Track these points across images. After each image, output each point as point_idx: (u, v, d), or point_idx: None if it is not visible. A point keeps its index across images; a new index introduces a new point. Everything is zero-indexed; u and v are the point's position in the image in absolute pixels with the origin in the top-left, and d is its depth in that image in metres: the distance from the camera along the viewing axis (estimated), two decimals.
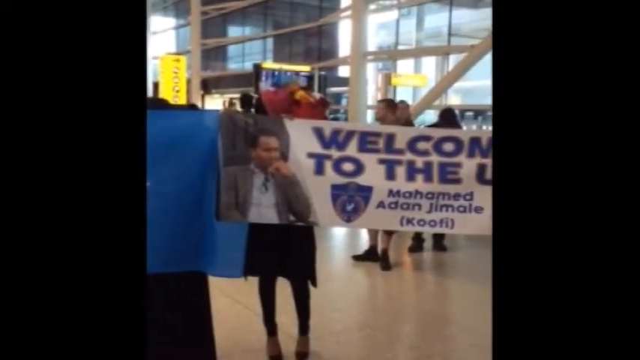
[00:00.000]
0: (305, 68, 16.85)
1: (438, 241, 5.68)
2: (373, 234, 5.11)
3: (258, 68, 15.37)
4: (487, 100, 14.64)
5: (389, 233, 4.91)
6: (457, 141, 2.58)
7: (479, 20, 14.64)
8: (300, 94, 2.70)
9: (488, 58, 11.71)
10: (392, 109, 5.09)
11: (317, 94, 2.81)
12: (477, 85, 15.06)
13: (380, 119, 5.04)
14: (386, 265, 4.90)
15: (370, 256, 5.08)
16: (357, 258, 5.15)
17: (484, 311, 3.74)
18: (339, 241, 6.39)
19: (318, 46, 20.01)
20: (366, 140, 2.57)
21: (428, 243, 5.68)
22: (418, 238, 5.61)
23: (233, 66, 24.60)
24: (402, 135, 2.59)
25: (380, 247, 5.02)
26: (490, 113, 14.22)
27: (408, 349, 3.27)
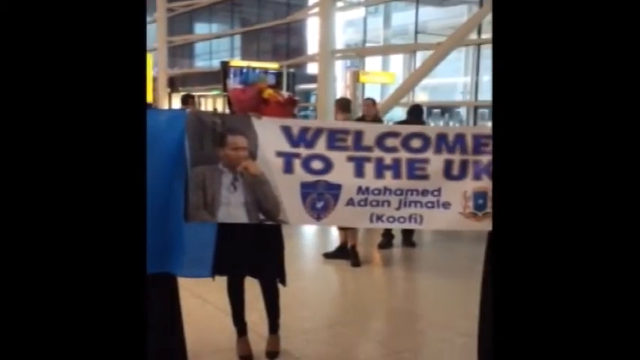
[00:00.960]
0: (273, 66, 16.78)
1: (407, 237, 5.73)
2: (344, 231, 5.13)
3: (225, 66, 15.25)
4: (454, 97, 14.88)
5: (347, 227, 4.91)
6: (424, 137, 2.60)
7: (445, 18, 14.85)
8: (268, 93, 2.69)
9: (454, 55, 11.88)
10: (342, 109, 5.09)
11: (285, 93, 2.80)
12: (444, 83, 15.27)
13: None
14: (355, 262, 4.93)
15: (341, 253, 5.09)
16: (328, 256, 5.16)
17: (453, 306, 3.82)
18: (309, 240, 6.40)
19: (286, 43, 19.97)
20: (335, 138, 2.58)
21: (397, 239, 5.73)
22: (387, 235, 5.65)
23: (200, 64, 24.33)
24: (370, 132, 2.60)
25: (349, 244, 5.04)
26: (457, 110, 14.48)
27: (378, 346, 3.29)
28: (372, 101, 5.80)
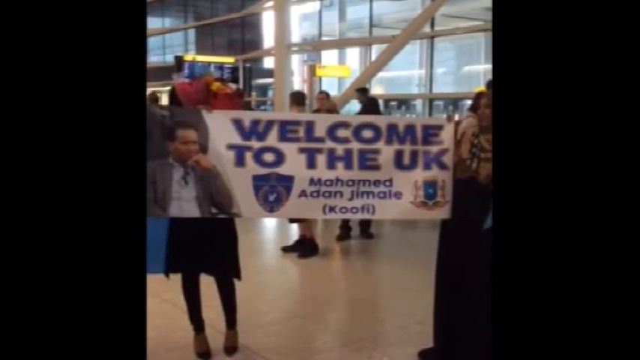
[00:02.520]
0: (229, 60, 16.60)
1: (365, 228, 5.79)
2: (302, 224, 5.13)
3: (179, 60, 14.98)
4: (410, 90, 15.07)
5: (301, 220, 4.92)
6: (375, 128, 2.63)
7: (399, 12, 15.00)
8: (216, 86, 2.66)
9: (409, 48, 12.03)
10: (296, 103, 5.07)
11: (233, 85, 2.78)
12: (400, 75, 15.44)
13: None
14: (308, 253, 4.96)
15: (299, 247, 5.10)
16: (287, 249, 5.15)
17: (410, 294, 3.88)
18: (268, 233, 6.38)
19: (241, 37, 19.77)
20: (287, 129, 2.58)
21: (355, 231, 5.77)
22: (345, 227, 5.69)
23: (154, 58, 23.80)
24: (322, 123, 2.62)
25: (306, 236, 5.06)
26: (413, 102, 14.67)
27: (337, 336, 3.32)
28: (326, 94, 5.82)
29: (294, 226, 5.42)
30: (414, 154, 2.66)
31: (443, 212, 2.72)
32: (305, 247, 5.03)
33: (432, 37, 12.87)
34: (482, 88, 5.18)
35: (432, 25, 12.47)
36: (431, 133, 2.67)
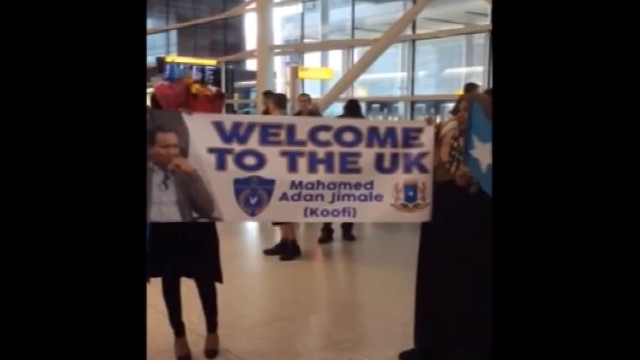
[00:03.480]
0: (211, 62, 16.52)
1: (347, 231, 5.80)
2: (284, 227, 5.13)
3: (161, 62, 14.87)
4: (392, 92, 15.14)
5: (283, 223, 4.91)
6: (356, 131, 2.65)
7: (381, 14, 15.08)
8: (196, 88, 2.65)
9: (391, 51, 12.09)
10: (278, 106, 5.01)
11: (213, 87, 2.77)
12: (382, 78, 15.51)
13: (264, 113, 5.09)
14: (291, 255, 4.95)
15: (282, 249, 5.09)
16: (269, 252, 5.15)
17: (391, 297, 3.90)
18: (250, 236, 6.36)
19: (223, 39, 19.69)
20: (268, 132, 2.58)
21: (337, 233, 5.79)
22: (327, 229, 5.70)
23: None
24: (303, 126, 2.62)
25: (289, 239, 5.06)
26: (395, 105, 14.75)
27: (318, 338, 3.33)
28: (308, 97, 5.82)
29: (277, 229, 5.42)
30: (394, 157, 2.69)
31: (423, 215, 2.74)
32: (287, 250, 5.02)
33: (414, 40, 12.96)
34: (461, 91, 5.23)
35: (414, 28, 12.55)
36: (411, 135, 2.69)
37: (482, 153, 2.34)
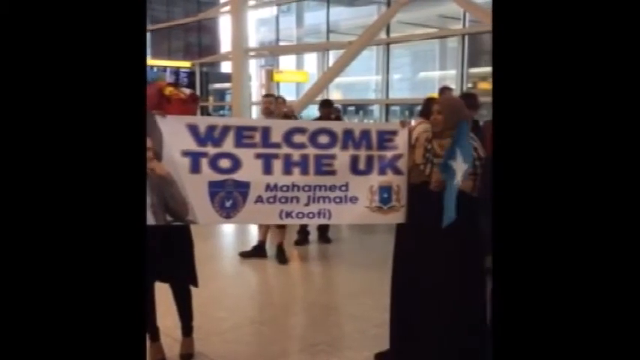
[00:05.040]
0: (186, 64, 16.40)
1: (323, 233, 5.82)
2: (263, 229, 5.11)
3: None
4: (367, 95, 15.23)
5: (280, 227, 4.92)
6: (331, 133, 2.66)
7: (355, 18, 15.16)
8: (169, 90, 2.63)
9: (366, 54, 12.18)
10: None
11: (187, 90, 2.75)
12: (357, 81, 15.59)
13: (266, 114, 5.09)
14: (282, 259, 4.95)
15: (258, 252, 5.08)
16: (245, 255, 5.12)
17: (368, 298, 3.92)
18: (226, 239, 6.33)
19: (198, 41, 19.55)
20: (243, 135, 2.58)
21: (313, 236, 5.79)
22: (303, 232, 5.70)
23: None
24: (278, 128, 2.63)
25: (275, 242, 5.04)
26: (371, 107, 14.84)
27: (294, 341, 3.33)
28: (282, 100, 5.82)
29: (253, 233, 5.40)
30: (369, 159, 2.71)
31: (398, 217, 2.76)
32: (264, 252, 5.02)
33: (388, 44, 13.07)
34: (434, 94, 5.29)
35: (388, 32, 12.66)
36: (386, 138, 2.72)
37: (460, 169, 2.42)
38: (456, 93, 10.08)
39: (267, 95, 5.81)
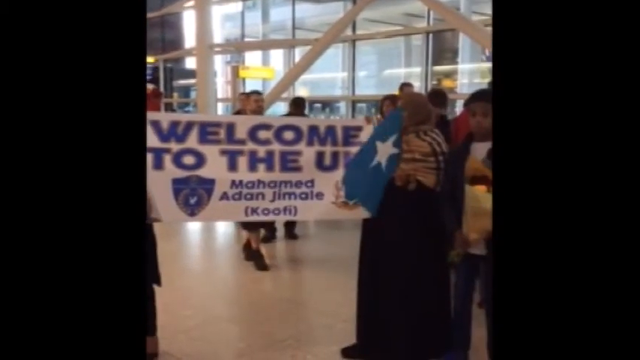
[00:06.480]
0: (149, 60, 16.10)
1: (290, 230, 5.81)
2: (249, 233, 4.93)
3: None
4: (334, 92, 15.27)
5: (251, 229, 4.81)
6: (296, 129, 2.66)
7: (321, 15, 15.17)
8: None
9: (332, 51, 12.19)
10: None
11: (150, 85, 2.71)
12: (324, 78, 15.62)
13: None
14: (261, 265, 4.76)
15: (250, 255, 4.93)
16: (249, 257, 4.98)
17: (335, 294, 3.94)
18: (192, 237, 6.26)
19: (161, 36, 19.23)
20: (207, 131, 2.55)
21: (280, 232, 5.79)
22: (270, 229, 5.69)
23: None
24: (243, 124, 2.62)
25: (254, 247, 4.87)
26: (337, 104, 14.89)
27: (261, 337, 3.32)
28: (248, 96, 5.78)
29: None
30: (334, 155, 2.72)
31: (364, 212, 2.79)
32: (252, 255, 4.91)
33: (354, 41, 13.12)
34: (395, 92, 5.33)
35: (354, 29, 12.71)
36: (351, 134, 2.74)
37: (385, 152, 2.57)
38: (421, 90, 10.20)
39: (242, 93, 5.76)
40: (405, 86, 5.66)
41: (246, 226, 4.83)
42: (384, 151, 2.54)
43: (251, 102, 5.24)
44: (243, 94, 5.92)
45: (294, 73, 11.22)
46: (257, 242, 4.88)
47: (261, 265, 4.76)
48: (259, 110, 5.11)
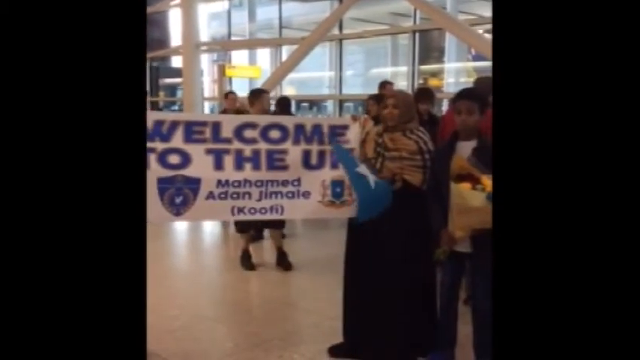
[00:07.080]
0: None
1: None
2: (246, 237, 4.87)
3: None
4: (321, 91, 15.27)
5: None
6: (282, 128, 2.66)
7: (308, 13, 15.16)
8: None
9: (319, 50, 12.19)
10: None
11: None
12: (311, 77, 15.62)
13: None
14: (286, 265, 4.72)
15: (243, 262, 4.89)
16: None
17: (322, 293, 3.94)
18: (179, 236, 6.23)
19: (147, 35, 19.11)
20: (192, 130, 2.54)
21: (267, 231, 5.76)
22: (257, 228, 5.66)
23: None
24: (228, 123, 2.60)
25: (275, 247, 4.85)
26: (324, 103, 14.89)
27: (248, 336, 3.31)
28: (234, 95, 5.77)
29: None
30: (321, 154, 2.72)
31: (350, 210, 2.79)
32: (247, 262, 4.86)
33: (341, 40, 13.12)
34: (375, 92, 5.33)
35: (341, 28, 12.71)
36: (337, 132, 2.74)
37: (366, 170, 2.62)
38: (408, 89, 10.24)
39: (230, 92, 5.75)
40: (386, 84, 5.67)
41: (241, 229, 4.77)
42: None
43: (230, 101, 5.24)
44: (232, 93, 5.92)
45: (280, 72, 11.21)
46: (247, 243, 4.86)
47: (248, 264, 4.73)
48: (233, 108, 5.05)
